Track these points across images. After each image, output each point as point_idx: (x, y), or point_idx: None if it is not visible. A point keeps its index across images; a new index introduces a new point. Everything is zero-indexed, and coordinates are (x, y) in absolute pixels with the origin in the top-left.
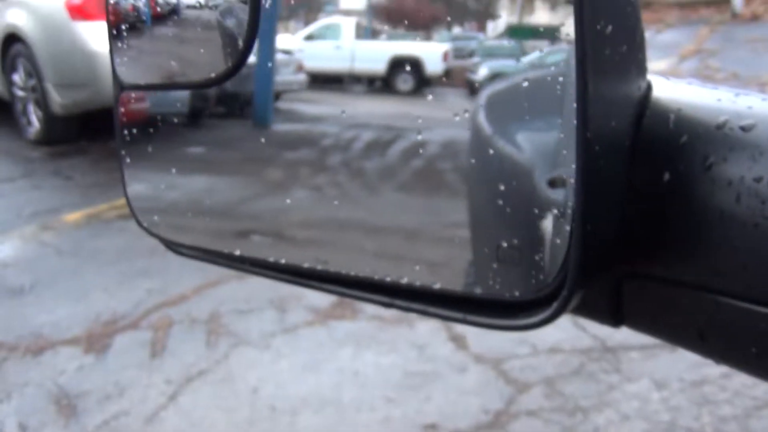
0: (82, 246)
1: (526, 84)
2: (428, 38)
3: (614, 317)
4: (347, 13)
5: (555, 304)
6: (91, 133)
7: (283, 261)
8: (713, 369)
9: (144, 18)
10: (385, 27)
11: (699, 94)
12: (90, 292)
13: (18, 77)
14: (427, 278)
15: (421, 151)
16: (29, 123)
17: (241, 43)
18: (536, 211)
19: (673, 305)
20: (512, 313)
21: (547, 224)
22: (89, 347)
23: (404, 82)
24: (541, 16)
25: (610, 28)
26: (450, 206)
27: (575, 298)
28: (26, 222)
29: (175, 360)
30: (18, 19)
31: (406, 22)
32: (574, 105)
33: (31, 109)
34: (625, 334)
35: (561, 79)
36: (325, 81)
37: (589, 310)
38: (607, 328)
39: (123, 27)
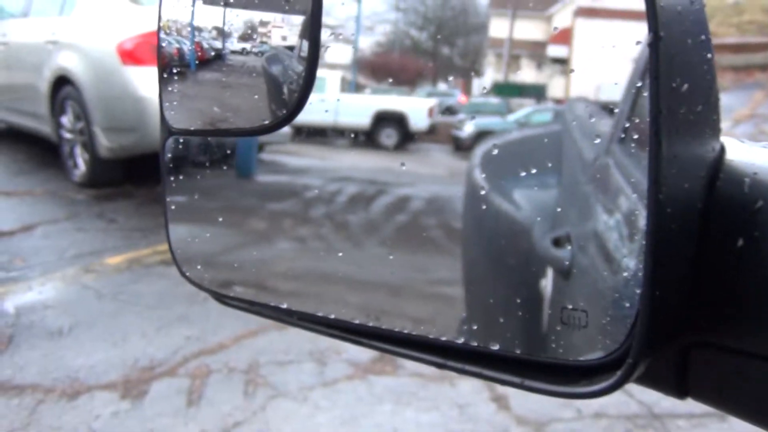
0: (122, 290)
1: (523, 141)
2: (412, 93)
3: (679, 388)
4: (332, 66)
5: (619, 372)
6: (136, 178)
7: (332, 316)
8: None
9: (189, 62)
10: (370, 81)
11: None
12: (128, 337)
13: (66, 120)
14: (453, 334)
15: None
16: (75, 165)
17: (285, 90)
18: (534, 269)
19: (744, 377)
20: (572, 379)
21: (547, 284)
22: (125, 393)
23: (388, 137)
24: (527, 74)
25: (686, 86)
26: (438, 262)
27: (640, 367)
28: (69, 264)
29: (212, 409)
30: (69, 61)
31: (391, 77)
32: (577, 161)
33: (78, 151)
34: (672, 401)
35: (559, 136)
36: (308, 134)
37: (653, 379)
38: (654, 393)
39: (173, 71)
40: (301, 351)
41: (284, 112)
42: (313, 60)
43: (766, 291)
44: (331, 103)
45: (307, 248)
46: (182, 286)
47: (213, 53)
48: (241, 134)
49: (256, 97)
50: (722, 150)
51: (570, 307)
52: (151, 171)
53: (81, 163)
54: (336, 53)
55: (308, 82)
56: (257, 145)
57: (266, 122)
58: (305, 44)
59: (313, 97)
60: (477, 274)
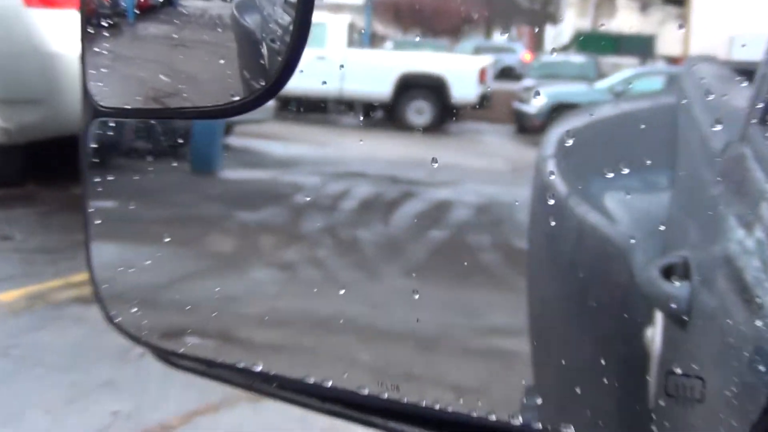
0: (18, 341)
1: (620, 121)
2: (454, 49)
3: None
4: (336, 8)
5: None
6: (42, 173)
7: (330, 384)
8: None
9: (125, 9)
10: (392, 31)
11: None
12: (25, 414)
13: None
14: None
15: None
16: None
17: (265, 50)
18: (635, 314)
19: None
20: None
21: (654, 335)
22: None
23: (419, 113)
24: (627, 20)
25: None
26: (491, 302)
27: None
28: None
29: None
30: None
31: (422, 24)
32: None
33: None
34: None
35: (673, 114)
36: (301, 108)
37: None
38: None
39: (101, 23)
40: None
41: (263, 83)
42: (307, 4)
43: None
44: (335, 62)
45: (297, 280)
46: (108, 334)
47: None
48: (201, 116)
49: (223, 61)
50: None
51: (679, 371)
52: (65, 163)
53: None
54: None
55: (299, 37)
56: (222, 127)
57: (236, 98)
58: None
59: (309, 54)
60: (549, 321)
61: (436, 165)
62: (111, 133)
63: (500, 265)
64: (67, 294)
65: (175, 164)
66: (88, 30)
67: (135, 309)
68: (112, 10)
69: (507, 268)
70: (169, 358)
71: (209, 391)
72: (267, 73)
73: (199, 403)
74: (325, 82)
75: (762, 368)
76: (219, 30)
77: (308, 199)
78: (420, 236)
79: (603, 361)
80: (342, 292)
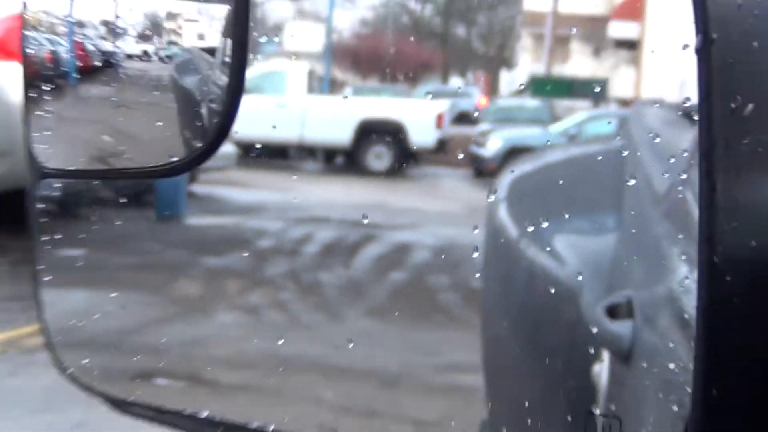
0: None
1: (571, 165)
2: (413, 94)
3: None
4: (295, 55)
5: None
6: (9, 223)
7: (271, 428)
8: None
9: (67, 71)
10: (351, 77)
11: None
12: None
13: None
14: None
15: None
16: None
17: (205, 111)
18: (583, 352)
19: None
20: None
21: (602, 370)
22: None
23: (378, 158)
24: (581, 65)
25: (750, 107)
26: (449, 340)
27: None
28: None
29: None
30: None
31: (381, 71)
32: (645, 193)
33: None
34: None
35: (620, 157)
36: (262, 154)
37: None
38: None
39: (44, 86)
40: None
41: (200, 144)
42: (240, 67)
43: None
44: (295, 109)
45: (261, 322)
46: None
47: (101, 58)
48: (141, 176)
49: (161, 123)
50: None
51: (597, 412)
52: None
53: None
54: (301, 35)
55: (234, 98)
56: (186, 176)
57: (175, 159)
58: (231, 44)
59: (270, 101)
60: (503, 358)
61: (366, 221)
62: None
63: (457, 304)
64: (38, 340)
65: (139, 210)
66: (31, 93)
67: (86, 360)
68: (54, 72)
69: (463, 308)
70: (120, 406)
71: None
72: (205, 134)
73: None
74: (275, 127)
75: (672, 407)
76: (159, 90)
77: (273, 242)
78: (382, 278)
79: (553, 397)
80: (309, 331)
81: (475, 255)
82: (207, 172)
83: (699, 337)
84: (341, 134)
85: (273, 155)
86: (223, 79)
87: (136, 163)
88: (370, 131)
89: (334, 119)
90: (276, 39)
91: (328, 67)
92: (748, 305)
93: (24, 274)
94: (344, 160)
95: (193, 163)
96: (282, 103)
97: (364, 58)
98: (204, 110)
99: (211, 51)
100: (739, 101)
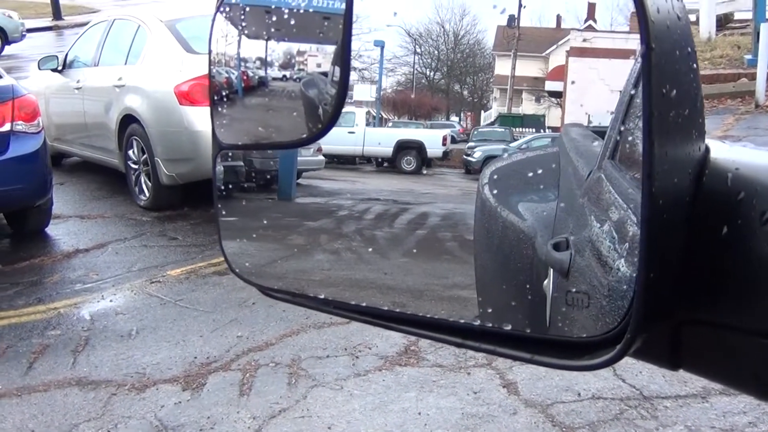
0: (182, 297)
1: (525, 162)
2: (428, 126)
3: (672, 361)
4: (359, 103)
5: (618, 347)
6: (193, 201)
7: (364, 304)
8: (741, 418)
9: (237, 89)
10: (392, 116)
11: (755, 155)
12: (188, 338)
13: (132, 153)
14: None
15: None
16: (141, 191)
17: (320, 109)
18: (538, 271)
19: (730, 350)
20: (577, 354)
21: (549, 283)
22: (186, 386)
23: (408, 163)
24: (527, 107)
25: (674, 92)
26: (454, 269)
27: (637, 342)
28: (136, 276)
29: (261, 399)
30: (134, 102)
31: (409, 112)
32: (572, 177)
33: (143, 179)
34: (659, 385)
35: (557, 157)
36: (340, 161)
37: (648, 353)
38: (644, 378)
39: (223, 97)
40: (337, 347)
41: (319, 126)
42: (344, 83)
43: (747, 273)
44: (359, 134)
45: (341, 259)
46: (234, 293)
47: (257, 80)
48: (283, 147)
49: (295, 114)
50: (707, 149)
51: (574, 290)
52: (206, 195)
53: (145, 190)
54: (362, 92)
55: (340, 101)
56: (296, 172)
57: (304, 136)
58: (337, 70)
59: (344, 130)
60: (488, 277)
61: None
62: (231, 175)
63: (458, 248)
64: (209, 270)
65: (269, 194)
66: (215, 99)
67: (247, 263)
68: (229, 89)
69: (462, 250)
70: (267, 291)
71: (293, 322)
72: (321, 121)
73: (287, 330)
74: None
75: (621, 288)
76: (293, 98)
77: (346, 212)
78: (412, 233)
79: (525, 294)
80: (369, 264)
81: (466, 213)
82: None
83: (642, 238)
84: (386, 149)
85: (346, 162)
86: (332, 92)
87: (278, 139)
88: (403, 147)
89: (382, 140)
90: (349, 94)
91: (378, 110)
92: (673, 217)
93: (200, 231)
94: (388, 165)
95: (314, 138)
96: (351, 131)
97: (399, 105)
98: (320, 109)
99: (324, 74)
100: (667, 88)
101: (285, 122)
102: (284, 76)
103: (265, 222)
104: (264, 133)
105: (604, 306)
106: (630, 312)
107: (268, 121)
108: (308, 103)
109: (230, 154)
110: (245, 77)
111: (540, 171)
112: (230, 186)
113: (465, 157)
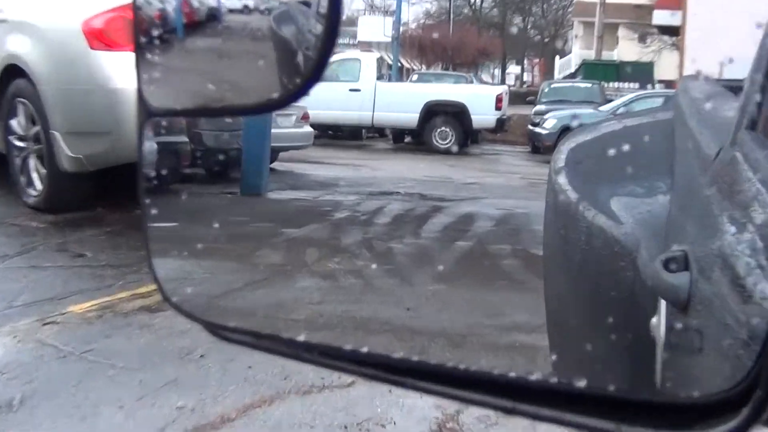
0: (91, 347)
1: (623, 135)
2: (470, 79)
3: None
4: (367, 46)
5: (746, 410)
6: (108, 197)
7: (365, 350)
8: None
9: (175, 27)
10: (417, 65)
11: None
12: (100, 410)
13: (16, 123)
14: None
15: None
16: (29, 183)
17: (300, 56)
18: (641, 304)
19: None
20: (684, 422)
21: (660, 323)
22: None
23: (443, 138)
24: (627, 50)
25: None
26: (513, 302)
27: None
28: (20, 314)
29: None
30: (21, 46)
31: (444, 59)
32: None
33: (33, 164)
34: None
35: (670, 126)
36: (337, 135)
37: None
38: None
39: (153, 39)
40: (332, 425)
41: (298, 81)
42: (335, 15)
43: None
44: (367, 93)
45: (339, 286)
46: (172, 339)
47: (205, 13)
48: (245, 112)
49: (263, 63)
50: None
51: (679, 326)
52: (129, 188)
53: (36, 180)
54: (371, 28)
55: (329, 44)
56: (269, 152)
57: (275, 96)
58: None
59: (343, 87)
60: (565, 316)
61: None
62: (166, 158)
63: (520, 268)
64: (133, 304)
65: (227, 184)
66: (142, 43)
67: (190, 290)
68: (163, 27)
69: (526, 271)
70: (219, 332)
71: (263, 386)
72: (300, 73)
73: (254, 397)
74: (361, 105)
75: (753, 323)
76: (259, 39)
77: (347, 213)
78: (448, 246)
79: (613, 349)
80: (382, 294)
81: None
82: (287, 151)
83: None
84: (409, 116)
85: (347, 136)
86: (318, 29)
87: (235, 103)
88: (434, 113)
89: (403, 102)
90: (350, 31)
91: (396, 56)
92: None
93: (119, 244)
94: (412, 140)
95: (288, 100)
96: (355, 89)
97: (428, 48)
98: (300, 56)
99: (306, 3)
100: None
101: (248, 76)
102: (245, 6)
103: (219, 228)
104: (216, 92)
105: (725, 350)
106: (759, 363)
107: (221, 74)
108: (282, 45)
109: (165, 123)
110: (187, 8)
111: (644, 149)
112: (165, 173)
113: (530, 127)
